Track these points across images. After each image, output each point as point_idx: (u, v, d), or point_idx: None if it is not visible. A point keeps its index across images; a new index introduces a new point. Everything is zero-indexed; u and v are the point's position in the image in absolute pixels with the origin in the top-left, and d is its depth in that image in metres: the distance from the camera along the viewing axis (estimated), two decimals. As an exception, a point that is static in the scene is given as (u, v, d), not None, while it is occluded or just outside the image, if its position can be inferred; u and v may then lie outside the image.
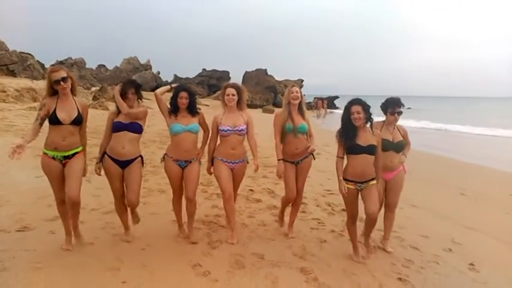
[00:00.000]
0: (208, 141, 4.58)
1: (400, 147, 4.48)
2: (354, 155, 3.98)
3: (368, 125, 4.02)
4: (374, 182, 4.03)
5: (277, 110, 4.77)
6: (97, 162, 4.21)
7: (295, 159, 4.65)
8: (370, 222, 4.04)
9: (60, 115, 3.71)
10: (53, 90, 3.79)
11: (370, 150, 3.94)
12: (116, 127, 4.11)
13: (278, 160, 4.62)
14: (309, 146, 4.62)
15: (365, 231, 4.27)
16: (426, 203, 6.71)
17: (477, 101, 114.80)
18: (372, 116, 4.02)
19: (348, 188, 4.00)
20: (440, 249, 4.70)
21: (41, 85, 21.95)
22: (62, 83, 3.72)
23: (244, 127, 4.44)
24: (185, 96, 4.26)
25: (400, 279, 3.86)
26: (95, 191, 5.56)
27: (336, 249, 4.50)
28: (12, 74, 26.59)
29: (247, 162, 4.64)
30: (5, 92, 18.49)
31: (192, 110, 4.34)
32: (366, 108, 3.93)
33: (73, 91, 3.88)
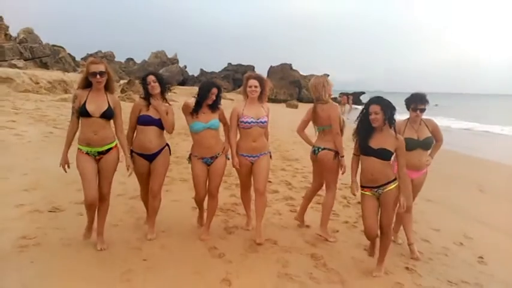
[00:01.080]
0: (229, 134, 4.40)
1: (427, 144, 4.30)
2: (364, 156, 3.70)
3: (390, 127, 3.65)
4: (392, 186, 3.64)
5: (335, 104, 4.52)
6: (127, 158, 4.02)
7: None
8: (382, 237, 3.74)
9: (90, 107, 3.64)
10: (87, 82, 3.73)
11: (380, 154, 3.59)
12: (145, 121, 4.08)
13: (341, 156, 4.46)
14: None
15: (379, 247, 3.83)
16: (442, 198, 6.75)
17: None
18: (395, 117, 3.64)
19: (363, 194, 3.75)
20: (451, 242, 4.79)
21: (72, 77, 22.73)
22: (98, 76, 3.63)
23: (266, 119, 4.36)
24: (215, 93, 4.15)
25: (407, 268, 4.00)
26: (120, 178, 5.88)
27: (347, 238, 4.66)
28: (45, 66, 27.54)
29: (271, 157, 4.54)
30: (38, 83, 19.24)
31: (215, 106, 4.22)
32: (385, 108, 3.56)
33: (108, 87, 3.79)
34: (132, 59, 55.01)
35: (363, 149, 3.69)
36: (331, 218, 5.21)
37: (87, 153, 3.71)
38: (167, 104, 4.25)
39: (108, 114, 3.74)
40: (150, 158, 4.16)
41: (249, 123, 4.26)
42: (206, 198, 4.42)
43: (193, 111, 4.13)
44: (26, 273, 3.29)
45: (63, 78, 21.38)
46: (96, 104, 3.68)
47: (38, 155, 7.18)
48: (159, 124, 4.13)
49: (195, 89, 4.42)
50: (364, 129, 3.68)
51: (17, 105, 13.25)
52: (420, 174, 4.35)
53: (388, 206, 3.65)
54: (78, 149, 3.74)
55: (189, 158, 4.36)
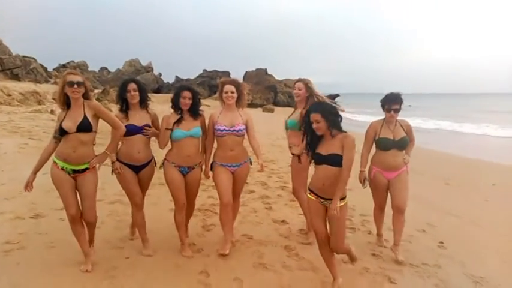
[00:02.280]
0: (205, 142, 4.22)
1: (403, 144, 4.29)
2: (316, 165, 3.43)
3: (338, 132, 3.32)
4: (342, 203, 3.29)
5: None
6: (113, 162, 3.90)
7: (296, 152, 4.46)
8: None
9: (65, 124, 3.41)
10: (65, 98, 3.48)
11: (331, 160, 3.27)
12: (130, 130, 3.84)
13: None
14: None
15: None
16: (411, 192, 7.12)
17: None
18: (340, 121, 3.36)
19: (309, 198, 3.50)
20: (415, 230, 5.13)
21: (45, 88, 22.51)
22: (75, 85, 3.40)
23: (242, 127, 4.12)
24: (189, 96, 3.95)
25: (373, 254, 4.34)
26: (100, 184, 6.03)
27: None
28: (16, 77, 27.13)
29: (251, 164, 4.38)
30: (10, 95, 18.98)
31: (195, 112, 4.05)
32: (326, 115, 3.28)
33: (85, 97, 3.57)
34: (106, 68, 54.51)
35: (315, 158, 3.42)
36: (301, 214, 5.45)
37: (62, 168, 3.48)
38: (153, 113, 4.12)
39: (84, 126, 3.45)
40: (138, 169, 4.00)
41: (222, 131, 4.06)
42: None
43: (177, 121, 3.94)
44: (14, 274, 3.45)
45: (35, 90, 21.11)
46: (72, 118, 3.44)
47: (14, 165, 7.24)
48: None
49: (171, 96, 4.20)
50: (312, 138, 3.42)
51: (-11, 118, 13.13)
52: (396, 174, 4.30)
53: (338, 223, 3.36)
54: (54, 162, 3.51)
55: (162, 164, 4.11)
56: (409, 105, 52.12)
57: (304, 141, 3.51)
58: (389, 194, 4.43)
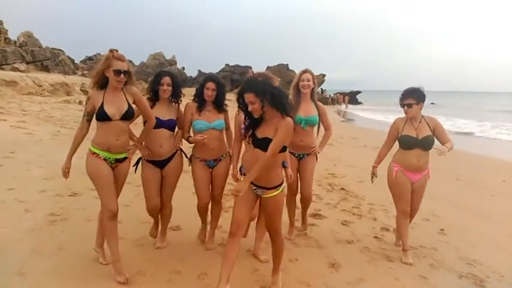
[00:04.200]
0: (232, 142, 4.00)
1: (427, 143, 3.97)
2: (253, 148, 3.05)
3: (281, 113, 2.93)
4: (274, 193, 3.03)
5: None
6: (142, 148, 3.75)
7: (297, 151, 4.29)
8: (272, 243, 3.29)
9: (109, 110, 3.20)
10: (102, 81, 3.25)
11: (262, 144, 2.93)
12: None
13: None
14: (314, 147, 4.29)
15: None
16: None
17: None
18: (283, 101, 2.91)
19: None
20: (419, 219, 5.48)
21: (73, 80, 23.45)
22: (122, 75, 3.21)
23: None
24: (212, 88, 3.80)
25: (376, 237, 4.75)
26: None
27: (328, 215, 5.38)
28: (46, 69, 28.16)
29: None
30: (41, 86, 19.97)
31: (220, 104, 3.90)
32: (260, 95, 2.86)
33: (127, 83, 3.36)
34: (130, 61, 54.89)
35: (252, 140, 3.07)
36: (314, 200, 5.87)
37: (104, 159, 3.29)
38: (179, 109, 3.97)
39: (129, 115, 3.33)
40: (161, 164, 3.83)
41: None
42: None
43: (197, 108, 3.86)
44: (59, 239, 4.02)
45: (64, 81, 22.10)
46: (116, 105, 3.25)
47: (49, 151, 7.89)
48: (169, 126, 3.81)
49: (194, 90, 4.14)
50: (252, 120, 3.04)
51: (24, 107, 13.98)
52: (420, 176, 4.10)
53: (271, 214, 3.13)
54: (93, 152, 3.29)
55: (190, 159, 4.03)
56: (432, 103, 51.57)
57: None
58: None
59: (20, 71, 22.69)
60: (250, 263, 3.86)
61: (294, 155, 4.28)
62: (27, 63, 26.89)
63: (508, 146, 16.39)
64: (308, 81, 4.24)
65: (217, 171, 3.98)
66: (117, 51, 3.21)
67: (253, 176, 2.88)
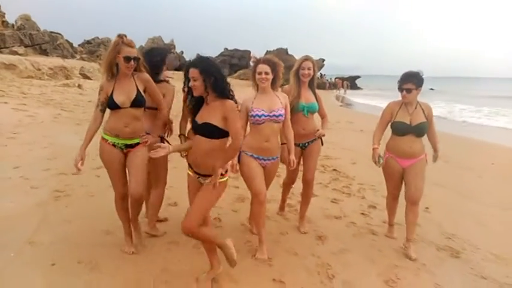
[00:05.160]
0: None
1: (420, 130, 3.88)
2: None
3: (222, 96, 2.82)
4: (207, 180, 2.88)
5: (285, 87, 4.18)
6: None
7: (301, 141, 4.15)
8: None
9: (118, 98, 3.21)
10: (113, 67, 3.26)
11: (202, 129, 2.84)
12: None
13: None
14: (318, 130, 4.18)
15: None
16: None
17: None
18: (225, 85, 2.83)
19: (188, 174, 3.05)
20: (405, 198, 5.79)
21: (72, 63, 23.53)
22: (132, 61, 3.20)
23: (282, 112, 3.59)
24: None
25: (362, 213, 5.05)
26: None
27: (319, 194, 5.64)
28: (44, 53, 28.22)
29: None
30: (40, 70, 20.08)
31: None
32: (204, 73, 2.76)
33: (136, 69, 3.33)
34: (128, 45, 55.07)
35: (192, 126, 2.98)
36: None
37: (113, 144, 3.31)
38: (171, 88, 3.82)
39: (138, 102, 3.28)
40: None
41: (260, 116, 3.51)
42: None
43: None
44: (64, 213, 4.30)
45: (63, 65, 22.19)
46: (125, 92, 3.25)
47: (51, 132, 8.14)
48: None
49: None
50: (195, 100, 2.94)
51: (24, 90, 14.18)
52: (413, 162, 3.95)
53: (202, 196, 2.91)
54: (103, 138, 3.33)
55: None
56: (431, 89, 51.63)
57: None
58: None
59: (19, 55, 22.77)
60: (243, 234, 4.18)
61: (298, 146, 4.14)
62: (26, 46, 26.96)
63: (502, 131, 16.65)
64: (309, 69, 4.13)
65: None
66: (125, 36, 3.21)
67: (221, 163, 2.82)
